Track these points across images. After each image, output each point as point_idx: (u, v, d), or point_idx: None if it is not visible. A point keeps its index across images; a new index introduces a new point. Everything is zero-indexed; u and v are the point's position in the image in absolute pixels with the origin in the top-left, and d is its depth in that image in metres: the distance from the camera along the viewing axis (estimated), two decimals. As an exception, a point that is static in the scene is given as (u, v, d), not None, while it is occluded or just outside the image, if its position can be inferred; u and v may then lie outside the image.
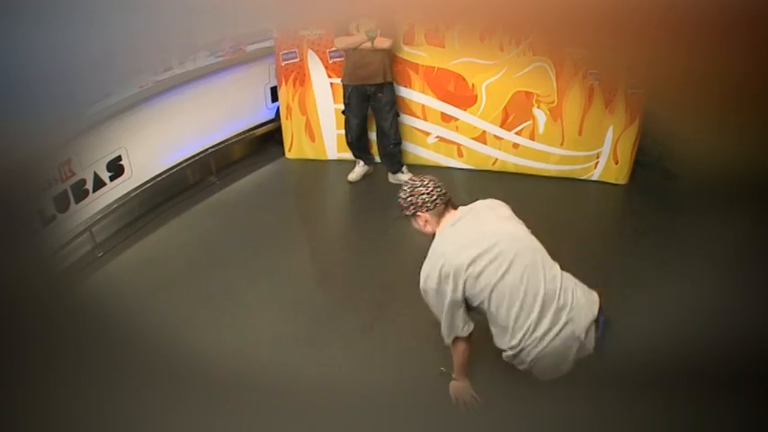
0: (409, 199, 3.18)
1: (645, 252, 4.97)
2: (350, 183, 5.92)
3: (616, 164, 5.85)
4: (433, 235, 3.23)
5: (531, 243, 3.26)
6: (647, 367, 3.87)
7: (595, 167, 5.93)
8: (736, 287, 4.26)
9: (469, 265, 3.01)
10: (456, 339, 3.29)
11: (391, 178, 6.03)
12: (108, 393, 3.07)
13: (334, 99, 5.98)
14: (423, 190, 3.18)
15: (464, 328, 3.22)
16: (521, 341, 3.09)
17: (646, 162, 5.93)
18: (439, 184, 3.23)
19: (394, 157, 5.96)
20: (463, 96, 5.89)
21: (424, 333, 4.02)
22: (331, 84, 5.93)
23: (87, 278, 4.57)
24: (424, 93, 5.93)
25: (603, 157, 5.85)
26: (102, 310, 3.87)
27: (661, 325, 4.16)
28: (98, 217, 4.79)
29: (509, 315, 3.05)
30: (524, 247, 3.18)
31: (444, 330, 3.23)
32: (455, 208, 3.29)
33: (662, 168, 5.81)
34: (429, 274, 3.10)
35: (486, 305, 3.08)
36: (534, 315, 3.05)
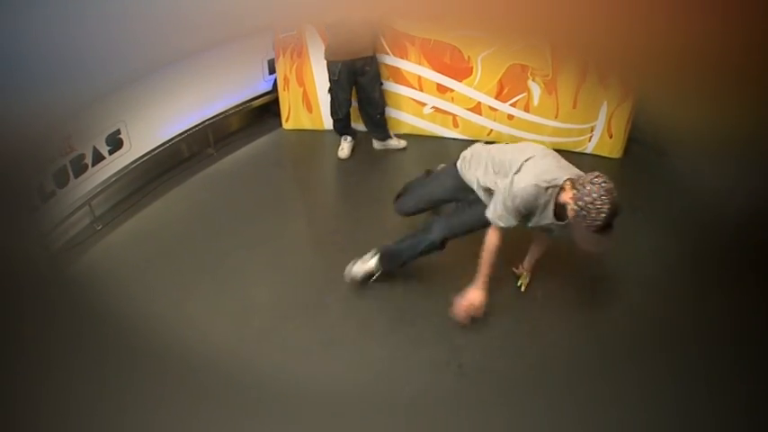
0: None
1: (637, 224, 5.02)
2: (341, 160, 5.95)
3: (610, 138, 5.90)
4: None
5: None
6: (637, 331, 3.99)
7: (589, 141, 5.98)
8: (726, 261, 4.35)
9: None
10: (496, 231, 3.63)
11: (378, 145, 6.15)
12: (108, 365, 3.14)
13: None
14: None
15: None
16: None
17: (640, 138, 5.98)
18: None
19: (379, 125, 6.05)
20: (459, 68, 5.91)
21: (418, 293, 4.10)
22: (329, 54, 5.93)
23: (87, 251, 4.61)
24: (420, 64, 5.94)
25: (598, 130, 5.89)
26: (101, 282, 3.93)
27: (649, 292, 4.24)
28: (97, 191, 4.81)
29: None
30: None
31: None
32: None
33: (656, 144, 5.85)
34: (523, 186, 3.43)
35: None
36: None
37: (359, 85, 5.78)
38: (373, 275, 4.17)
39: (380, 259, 4.15)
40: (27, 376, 2.38)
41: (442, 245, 4.01)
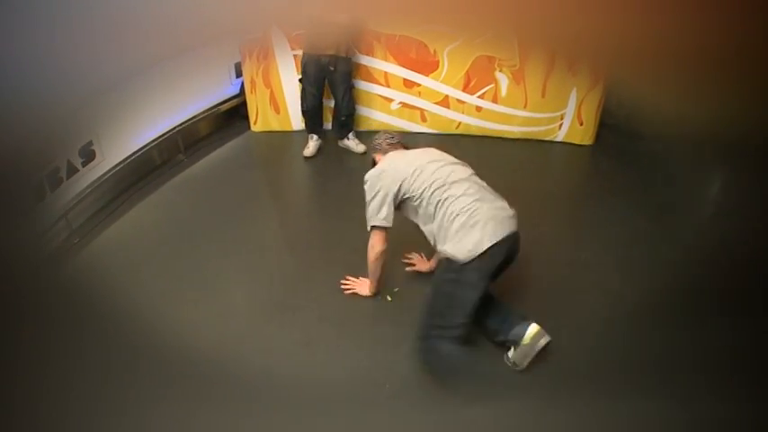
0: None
1: (611, 210, 5.08)
2: (306, 158, 5.96)
3: (581, 125, 5.96)
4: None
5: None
6: (615, 316, 4.02)
7: (559, 129, 6.03)
8: (700, 244, 4.40)
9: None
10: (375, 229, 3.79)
11: (340, 143, 6.18)
12: (92, 373, 3.14)
13: (297, 71, 5.98)
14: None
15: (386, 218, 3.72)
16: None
17: (612, 124, 6.03)
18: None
19: (344, 126, 6.08)
20: (425, 62, 5.95)
21: (396, 291, 4.12)
22: (294, 56, 5.93)
23: (65, 265, 4.59)
24: (386, 60, 5.96)
25: (567, 118, 5.95)
26: (82, 294, 3.92)
27: (627, 277, 4.29)
28: (73, 203, 4.78)
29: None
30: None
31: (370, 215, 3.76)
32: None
33: (628, 130, 5.91)
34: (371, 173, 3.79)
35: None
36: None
37: (330, 85, 5.80)
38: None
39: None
40: (18, 387, 2.39)
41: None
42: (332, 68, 5.64)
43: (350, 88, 5.85)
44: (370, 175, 3.78)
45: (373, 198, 3.72)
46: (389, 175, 3.70)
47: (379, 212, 3.70)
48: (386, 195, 3.68)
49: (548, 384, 3.50)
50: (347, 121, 6.01)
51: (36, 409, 2.58)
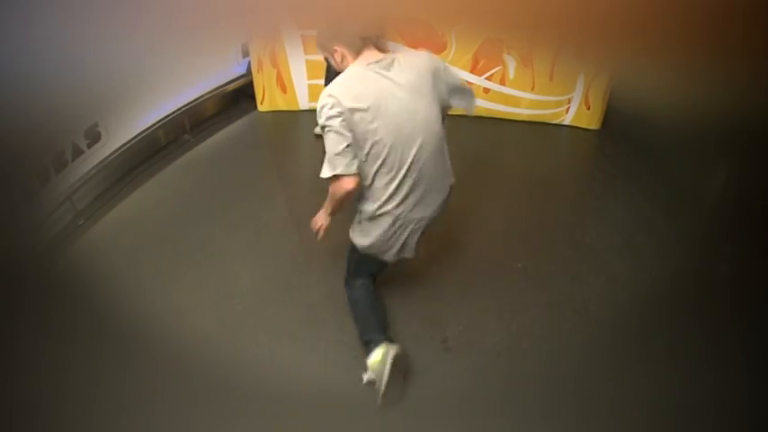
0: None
1: (617, 194, 5.07)
2: (317, 136, 5.94)
3: (588, 109, 5.92)
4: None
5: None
6: (619, 301, 4.01)
7: (567, 112, 6.00)
8: (706, 229, 4.38)
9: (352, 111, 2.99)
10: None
11: None
12: (99, 358, 3.15)
13: (304, 50, 5.96)
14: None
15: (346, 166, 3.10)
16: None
17: (619, 108, 6.00)
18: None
19: None
20: (433, 43, 5.89)
21: (398, 271, 4.11)
22: (301, 35, 5.90)
23: (70, 247, 4.60)
24: (394, 40, 5.92)
25: (575, 102, 5.91)
26: (87, 276, 3.93)
27: (632, 262, 4.28)
28: (78, 185, 4.78)
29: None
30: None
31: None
32: (381, 50, 3.18)
33: (635, 115, 5.88)
34: (322, 105, 3.03)
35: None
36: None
37: None
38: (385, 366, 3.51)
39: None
40: (20, 373, 2.39)
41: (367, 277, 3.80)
42: None
43: None
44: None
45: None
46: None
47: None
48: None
49: (550, 368, 3.50)
50: None
51: (32, 395, 2.58)
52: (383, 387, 3.28)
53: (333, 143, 3.02)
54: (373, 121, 3.00)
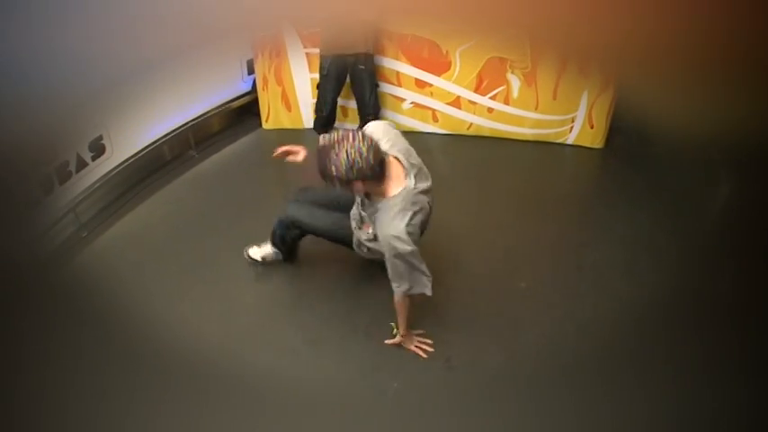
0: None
1: (619, 213, 5.07)
2: None
3: (591, 128, 5.93)
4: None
5: None
6: (622, 319, 4.01)
7: (570, 131, 6.01)
8: (708, 248, 4.39)
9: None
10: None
11: None
12: (101, 370, 3.15)
13: (309, 68, 5.98)
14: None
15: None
16: None
17: (623, 128, 6.01)
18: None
19: None
20: (437, 63, 5.93)
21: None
22: (306, 54, 5.93)
23: (73, 259, 4.60)
24: (398, 60, 5.95)
25: (578, 121, 5.93)
26: (90, 289, 3.93)
27: (634, 281, 4.28)
28: (82, 197, 4.79)
29: None
30: None
31: (413, 285, 3.45)
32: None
33: (638, 134, 5.90)
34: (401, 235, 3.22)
35: None
36: None
37: (352, 84, 5.74)
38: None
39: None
40: (23, 382, 2.39)
41: (295, 227, 4.06)
42: (361, 67, 5.58)
43: (375, 86, 5.81)
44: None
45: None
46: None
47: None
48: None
49: (553, 387, 3.50)
50: (376, 120, 5.93)
51: (37, 407, 2.58)
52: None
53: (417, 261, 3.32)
54: None
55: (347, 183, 3.21)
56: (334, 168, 3.15)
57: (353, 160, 3.11)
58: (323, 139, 3.26)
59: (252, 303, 4.19)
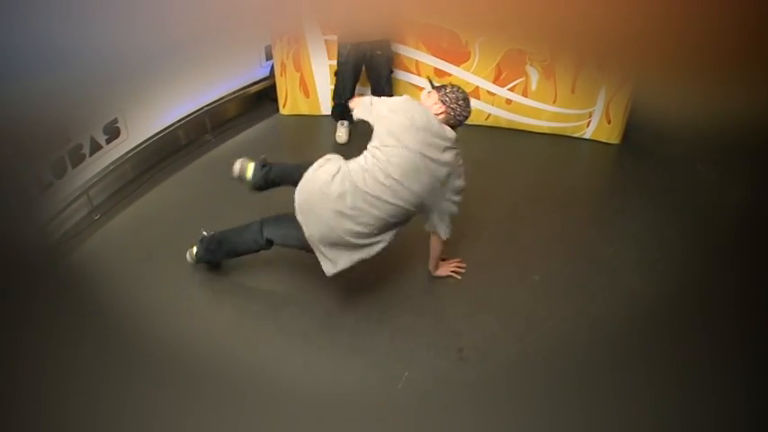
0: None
1: (634, 209, 5.05)
2: (339, 144, 5.93)
3: (608, 123, 5.90)
4: None
5: None
6: (634, 315, 3.99)
7: (588, 126, 5.98)
8: (723, 247, 4.36)
9: None
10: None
11: None
12: (110, 355, 3.15)
13: (328, 55, 5.97)
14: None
15: None
16: None
17: (640, 124, 5.98)
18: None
19: None
20: (456, 53, 5.91)
21: (415, 280, 4.11)
22: (325, 40, 5.91)
23: (86, 240, 4.60)
24: (417, 49, 5.93)
25: (596, 116, 5.89)
26: (101, 271, 3.94)
27: (648, 277, 4.26)
28: (95, 180, 4.80)
29: None
30: None
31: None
32: None
33: (655, 131, 5.86)
34: None
35: None
36: None
37: (368, 69, 5.73)
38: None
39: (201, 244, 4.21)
40: (27, 369, 2.39)
41: (269, 244, 4.00)
42: (379, 52, 5.57)
43: (390, 72, 5.79)
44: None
45: None
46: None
47: None
48: None
49: (564, 380, 3.48)
50: None
51: (36, 400, 2.58)
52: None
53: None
54: None
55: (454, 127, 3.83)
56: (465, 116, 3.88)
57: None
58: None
59: (265, 289, 4.18)
